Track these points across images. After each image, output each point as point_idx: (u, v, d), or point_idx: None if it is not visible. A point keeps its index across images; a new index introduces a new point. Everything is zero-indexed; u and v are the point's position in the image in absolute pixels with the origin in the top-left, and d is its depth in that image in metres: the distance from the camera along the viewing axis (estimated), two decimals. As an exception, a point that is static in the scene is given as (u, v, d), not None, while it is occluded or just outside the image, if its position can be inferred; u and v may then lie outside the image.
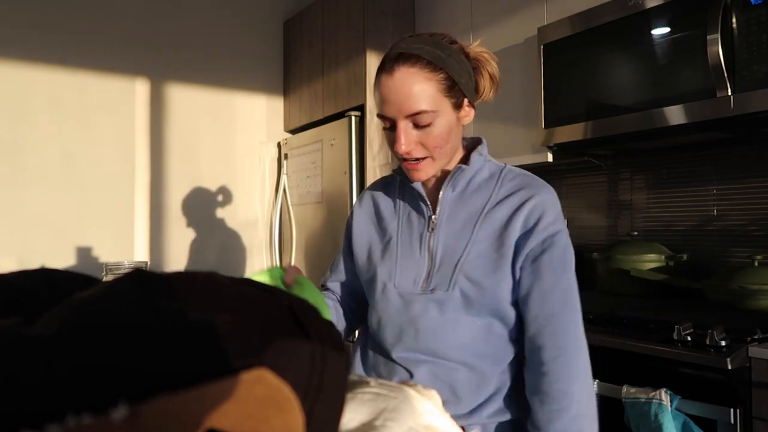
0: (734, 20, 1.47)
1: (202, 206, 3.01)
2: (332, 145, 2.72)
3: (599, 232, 2.29)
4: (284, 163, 3.08)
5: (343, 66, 2.74)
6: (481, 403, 0.93)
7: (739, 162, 1.87)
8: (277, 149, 3.28)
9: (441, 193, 0.98)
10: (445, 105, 0.92)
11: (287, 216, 3.04)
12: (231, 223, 3.09)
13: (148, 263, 2.66)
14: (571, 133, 1.89)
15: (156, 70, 2.88)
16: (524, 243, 0.91)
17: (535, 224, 0.91)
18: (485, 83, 0.99)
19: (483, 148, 1.00)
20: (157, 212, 2.87)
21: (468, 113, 0.97)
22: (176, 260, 2.91)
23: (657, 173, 2.10)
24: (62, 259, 2.62)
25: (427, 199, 0.99)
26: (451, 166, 0.99)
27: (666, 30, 1.63)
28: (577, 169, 2.36)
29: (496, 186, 0.97)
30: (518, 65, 2.18)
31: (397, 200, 1.05)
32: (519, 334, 0.95)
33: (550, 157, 2.08)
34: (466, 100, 0.96)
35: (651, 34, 1.66)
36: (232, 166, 3.11)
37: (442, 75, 0.90)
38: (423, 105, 0.89)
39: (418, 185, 0.99)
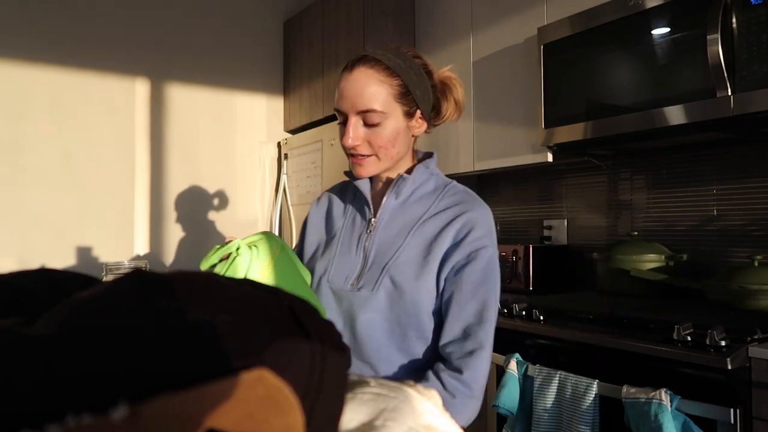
0: (734, 20, 1.47)
1: (202, 206, 3.01)
2: (332, 145, 2.72)
3: (599, 232, 2.29)
4: (284, 163, 3.09)
5: (342, 66, 2.74)
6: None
7: (739, 162, 1.87)
8: (277, 149, 3.28)
9: (384, 198, 1.03)
10: (396, 110, 0.97)
11: (287, 216, 3.04)
12: (231, 223, 3.09)
13: (148, 263, 2.66)
14: (571, 133, 1.89)
15: (156, 70, 2.88)
16: (451, 255, 0.95)
17: (464, 238, 0.95)
18: (449, 107, 1.07)
19: (431, 163, 1.07)
20: (157, 212, 2.87)
21: (420, 125, 1.03)
22: (176, 260, 2.91)
23: (657, 173, 2.10)
24: (62, 259, 2.62)
25: (370, 202, 1.04)
26: (394, 174, 1.04)
27: (666, 30, 1.63)
28: (577, 169, 2.36)
29: (437, 199, 1.02)
30: (518, 65, 2.18)
31: (348, 203, 1.11)
32: (433, 349, 0.96)
33: (550, 157, 2.08)
34: (419, 112, 1.01)
35: (651, 34, 1.66)
36: (232, 166, 3.11)
37: (397, 81, 0.96)
38: (374, 104, 0.95)
39: (365, 188, 1.04)
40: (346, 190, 1.15)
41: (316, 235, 1.13)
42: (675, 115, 1.60)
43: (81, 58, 2.68)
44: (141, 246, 2.83)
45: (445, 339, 0.94)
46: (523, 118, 2.15)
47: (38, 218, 2.56)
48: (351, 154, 0.99)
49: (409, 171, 1.05)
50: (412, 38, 2.74)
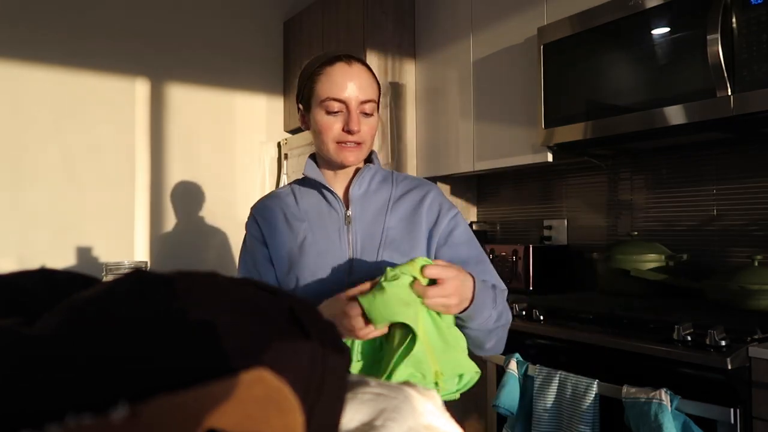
0: (734, 20, 1.47)
1: (202, 206, 3.01)
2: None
3: (599, 232, 2.29)
4: (284, 163, 3.09)
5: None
6: None
7: (739, 162, 1.87)
8: (277, 149, 3.28)
9: (351, 190, 1.10)
10: (377, 110, 1.09)
11: (287, 216, 3.03)
12: (231, 223, 3.09)
13: (148, 263, 2.66)
14: (571, 133, 1.89)
15: (156, 70, 2.88)
16: (435, 228, 1.09)
17: (439, 212, 1.10)
18: None
19: (375, 157, 1.17)
20: (157, 212, 2.87)
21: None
22: (176, 260, 2.91)
23: (657, 173, 2.10)
24: (62, 259, 2.62)
25: (341, 198, 1.10)
26: (351, 168, 1.12)
27: (666, 30, 1.63)
28: (577, 169, 2.36)
29: (393, 186, 1.13)
30: (518, 65, 2.18)
31: (298, 206, 1.12)
32: None
33: (550, 157, 2.08)
34: (379, 115, 1.13)
35: (651, 34, 1.66)
36: (232, 166, 3.11)
37: (377, 86, 1.10)
38: (373, 95, 1.06)
39: (336, 186, 1.11)
40: (282, 198, 1.13)
41: (283, 248, 1.08)
42: (675, 115, 1.60)
43: (81, 58, 2.68)
44: (141, 246, 2.83)
45: None
46: (523, 118, 2.15)
47: (38, 218, 2.56)
48: (344, 142, 1.05)
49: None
50: (412, 38, 2.74)
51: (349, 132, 1.03)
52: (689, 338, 1.36)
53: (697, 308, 1.69)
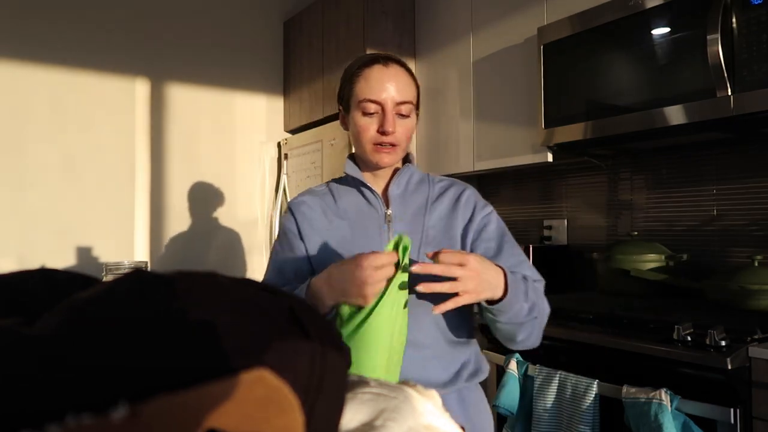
0: (734, 20, 1.47)
1: (202, 206, 3.01)
2: (332, 145, 2.72)
3: (599, 232, 2.29)
4: (284, 163, 3.09)
5: (343, 66, 2.73)
6: (457, 371, 1.05)
7: (739, 162, 1.87)
8: (277, 149, 3.28)
9: (390, 190, 1.12)
10: (415, 109, 1.10)
11: (287, 216, 3.03)
12: (231, 223, 3.09)
13: (148, 263, 2.66)
14: (571, 133, 1.89)
15: (156, 70, 2.88)
16: (469, 226, 1.10)
17: (473, 210, 1.12)
18: None
19: (412, 158, 1.18)
20: (157, 212, 2.87)
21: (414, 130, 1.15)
22: (176, 260, 2.91)
23: (657, 173, 2.10)
24: (62, 259, 2.62)
25: (381, 198, 1.11)
26: (390, 169, 1.14)
27: (666, 30, 1.63)
28: (577, 169, 2.36)
29: (429, 187, 1.15)
30: (518, 65, 2.18)
31: (337, 204, 1.13)
32: (460, 312, 1.02)
33: (550, 157, 2.08)
34: (418, 113, 1.14)
35: (651, 34, 1.66)
36: (232, 166, 3.11)
37: (415, 86, 1.10)
38: (410, 97, 1.07)
39: (376, 186, 1.12)
40: (322, 195, 1.15)
41: (318, 241, 1.10)
42: (675, 115, 1.60)
43: (81, 59, 2.68)
44: (141, 246, 2.83)
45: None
46: (523, 118, 2.15)
47: (38, 218, 2.56)
48: (380, 143, 1.06)
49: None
50: (412, 38, 2.75)
51: (384, 133, 1.04)
52: (689, 338, 1.36)
53: (697, 308, 1.69)
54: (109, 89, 2.75)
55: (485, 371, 1.10)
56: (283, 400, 0.27)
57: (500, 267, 0.95)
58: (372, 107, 1.05)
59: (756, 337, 1.33)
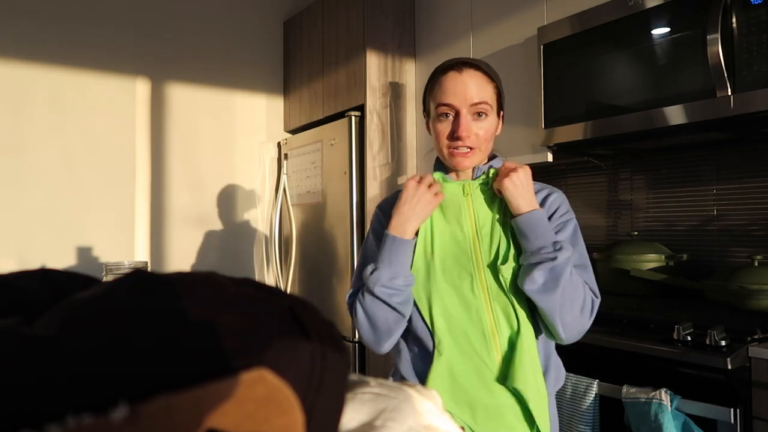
0: (734, 20, 1.47)
1: (202, 206, 3.01)
2: (332, 145, 2.72)
3: (599, 232, 2.29)
4: (284, 163, 3.09)
5: (343, 66, 2.74)
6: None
7: (739, 162, 1.87)
8: (277, 149, 3.28)
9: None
10: (494, 109, 1.11)
11: (287, 216, 3.04)
12: (231, 223, 3.09)
13: (148, 263, 2.66)
14: (571, 133, 1.89)
15: (156, 70, 2.88)
16: None
17: (552, 215, 1.12)
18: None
19: (499, 159, 1.19)
20: (157, 212, 2.87)
21: (500, 126, 1.16)
22: (176, 260, 2.91)
23: (657, 173, 2.10)
24: (62, 259, 2.62)
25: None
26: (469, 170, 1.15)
27: (666, 30, 1.63)
28: (577, 169, 2.36)
29: None
30: (518, 65, 2.18)
31: None
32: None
33: (550, 157, 2.08)
34: (502, 113, 1.15)
35: (651, 34, 1.66)
36: (232, 166, 3.11)
37: (494, 85, 1.11)
38: (485, 97, 1.08)
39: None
40: None
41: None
42: (675, 115, 1.60)
43: (81, 58, 2.68)
44: (141, 246, 2.83)
45: None
46: (523, 118, 2.15)
47: (38, 218, 2.56)
48: (455, 148, 1.09)
49: None
50: (412, 38, 2.75)
51: (457, 138, 1.07)
52: (689, 338, 1.36)
53: (697, 308, 1.69)
54: (109, 89, 2.75)
55: (561, 378, 1.12)
56: (283, 400, 0.27)
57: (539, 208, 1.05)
58: (445, 110, 1.08)
59: (756, 337, 1.33)
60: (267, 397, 0.26)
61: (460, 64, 1.09)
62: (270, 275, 3.19)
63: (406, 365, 1.10)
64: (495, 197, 1.10)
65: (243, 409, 0.25)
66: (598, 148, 2.08)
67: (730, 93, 1.47)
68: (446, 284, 1.05)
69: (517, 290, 1.03)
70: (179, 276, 0.30)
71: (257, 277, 3.15)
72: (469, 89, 1.07)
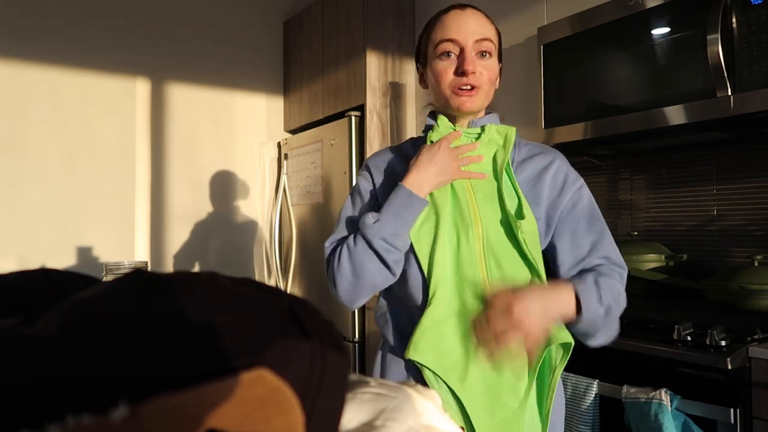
0: (734, 20, 1.47)
1: (202, 206, 3.01)
2: (332, 145, 2.72)
3: (599, 232, 2.28)
4: (284, 163, 3.09)
5: (343, 66, 2.74)
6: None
7: (739, 162, 1.87)
8: (277, 149, 3.28)
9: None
10: (496, 53, 1.04)
11: (287, 216, 3.04)
12: (231, 223, 3.09)
13: (148, 263, 2.66)
14: (571, 133, 1.89)
15: (156, 70, 2.88)
16: (559, 201, 1.05)
17: (564, 183, 1.06)
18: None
19: (497, 115, 1.14)
20: (158, 212, 2.87)
21: (498, 80, 1.09)
22: (176, 260, 2.91)
23: (657, 173, 2.10)
24: (62, 259, 2.62)
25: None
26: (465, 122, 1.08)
27: (666, 30, 1.63)
28: (577, 169, 2.33)
29: (516, 147, 1.11)
30: (518, 65, 2.18)
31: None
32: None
33: (550, 157, 2.08)
34: (501, 67, 1.08)
35: (651, 34, 1.66)
36: (232, 166, 3.11)
37: (495, 29, 1.05)
38: (489, 35, 1.01)
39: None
40: (408, 149, 1.12)
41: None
42: (675, 115, 1.60)
43: (81, 58, 2.68)
44: (141, 246, 2.83)
45: (570, 263, 1.03)
46: (523, 118, 2.15)
47: (39, 218, 2.56)
48: (460, 87, 1.00)
49: None
50: (412, 38, 2.74)
51: (464, 74, 0.98)
52: (689, 338, 1.36)
53: (697, 308, 1.69)
54: (109, 88, 2.75)
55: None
56: (283, 400, 0.27)
57: (569, 284, 0.92)
58: (448, 46, 1.00)
59: (756, 337, 1.33)
60: (267, 397, 0.26)
61: (462, 5, 1.03)
62: (270, 275, 3.20)
63: (395, 333, 1.04)
64: (491, 148, 1.05)
65: (243, 409, 0.25)
66: (598, 148, 2.08)
67: (730, 93, 1.47)
68: (453, 233, 0.98)
69: (513, 248, 0.98)
70: (179, 276, 0.30)
71: (257, 277, 3.15)
72: (474, 25, 1.00)
